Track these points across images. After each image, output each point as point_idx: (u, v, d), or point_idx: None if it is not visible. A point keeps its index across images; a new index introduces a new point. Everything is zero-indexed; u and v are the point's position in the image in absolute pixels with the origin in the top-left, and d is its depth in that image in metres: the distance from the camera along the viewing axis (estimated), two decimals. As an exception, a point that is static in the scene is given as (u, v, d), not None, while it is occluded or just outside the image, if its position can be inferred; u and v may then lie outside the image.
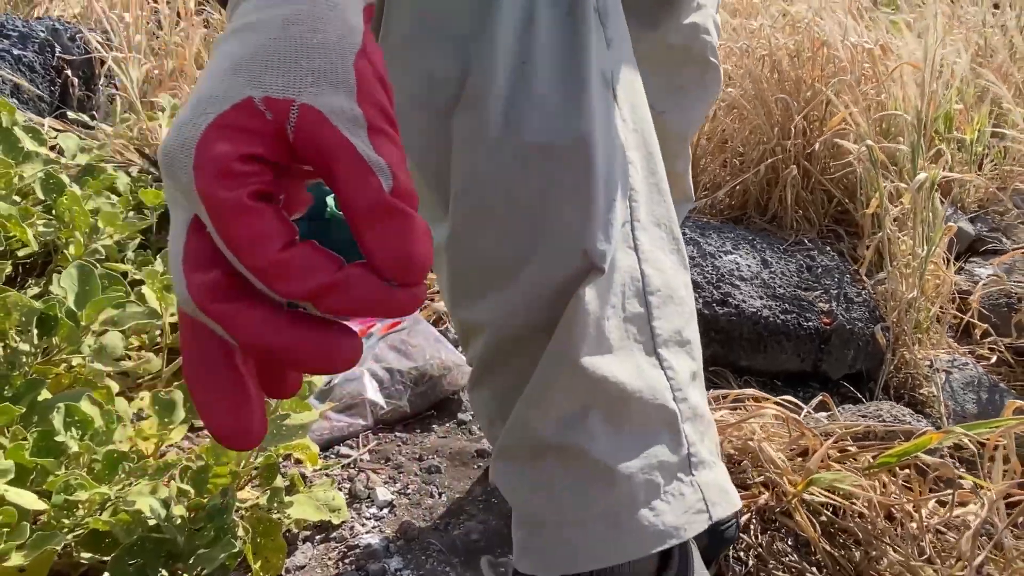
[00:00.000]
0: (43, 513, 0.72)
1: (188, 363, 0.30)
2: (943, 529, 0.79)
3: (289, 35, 0.30)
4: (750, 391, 1.01)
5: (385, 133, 0.30)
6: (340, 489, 0.93)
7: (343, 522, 0.87)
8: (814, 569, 0.77)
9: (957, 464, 0.96)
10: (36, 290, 1.13)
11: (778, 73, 1.75)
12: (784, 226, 1.73)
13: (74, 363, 0.90)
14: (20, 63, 1.66)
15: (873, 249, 1.43)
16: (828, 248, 1.59)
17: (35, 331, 0.84)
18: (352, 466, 0.98)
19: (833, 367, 1.30)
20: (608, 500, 0.44)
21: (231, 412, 0.29)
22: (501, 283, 0.46)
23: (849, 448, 0.86)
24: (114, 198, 1.28)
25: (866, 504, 0.78)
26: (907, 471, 0.81)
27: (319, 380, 1.02)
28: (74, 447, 0.72)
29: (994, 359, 1.46)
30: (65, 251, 1.13)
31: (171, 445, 0.93)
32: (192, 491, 0.75)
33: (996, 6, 2.62)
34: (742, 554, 0.79)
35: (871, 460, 0.82)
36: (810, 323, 1.29)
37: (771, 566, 0.77)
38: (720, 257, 1.39)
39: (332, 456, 1.00)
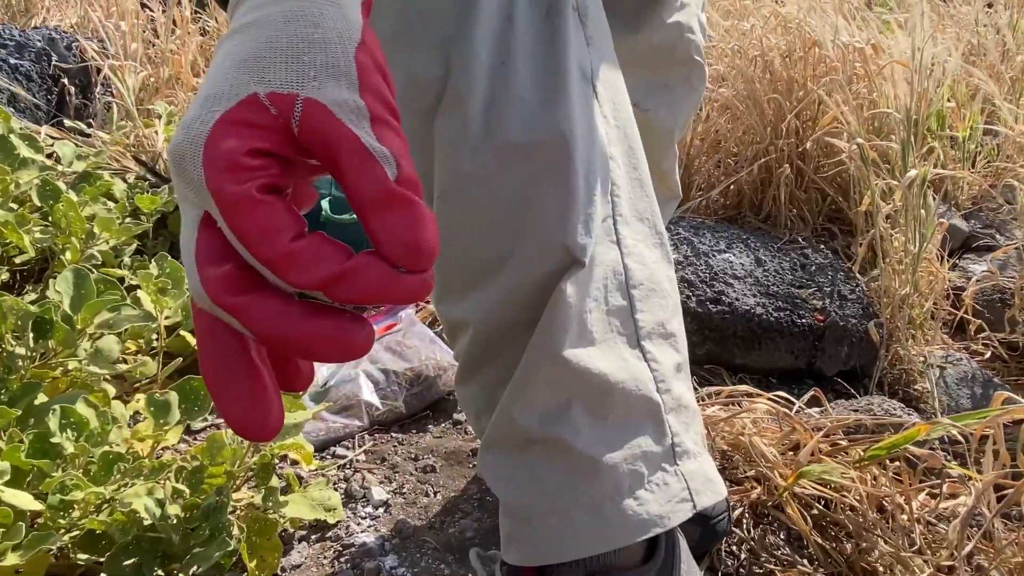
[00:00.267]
0: (39, 514, 0.73)
1: (204, 357, 0.30)
2: (933, 521, 0.79)
3: (290, 31, 0.31)
4: (743, 387, 1.01)
5: (388, 123, 0.31)
6: (336, 489, 0.94)
7: (339, 521, 0.88)
8: (805, 562, 0.77)
9: (950, 457, 0.96)
10: (33, 296, 1.14)
11: (770, 73, 1.76)
12: (778, 225, 1.74)
13: (70, 366, 0.91)
14: (17, 72, 1.67)
15: (866, 246, 1.44)
16: (822, 246, 1.60)
17: (31, 335, 0.85)
18: (348, 466, 0.99)
19: (827, 364, 1.31)
20: (592, 490, 0.45)
21: (249, 404, 0.30)
22: (484, 280, 0.47)
23: (840, 442, 0.87)
24: (110, 204, 1.29)
25: (857, 497, 0.79)
26: (897, 464, 0.82)
27: (316, 378, 1.03)
28: (70, 448, 0.73)
29: (988, 354, 1.47)
30: (62, 257, 1.14)
31: (167, 447, 0.94)
32: (187, 491, 0.76)
33: (990, 5, 2.64)
34: (735, 548, 0.80)
35: (862, 453, 0.83)
36: (804, 320, 1.29)
37: (763, 559, 0.78)
38: (714, 256, 1.40)
39: (328, 456, 1.01)
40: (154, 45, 2.02)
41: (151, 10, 2.15)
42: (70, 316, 0.87)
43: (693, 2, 0.74)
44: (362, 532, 0.87)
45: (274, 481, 0.84)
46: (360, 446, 1.03)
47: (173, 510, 0.73)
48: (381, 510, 0.91)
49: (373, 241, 0.29)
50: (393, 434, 1.06)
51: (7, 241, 1.09)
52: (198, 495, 0.77)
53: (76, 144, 1.47)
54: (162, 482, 0.76)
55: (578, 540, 0.45)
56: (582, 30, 0.47)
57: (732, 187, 1.80)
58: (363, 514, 0.90)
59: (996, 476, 0.74)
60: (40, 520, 0.73)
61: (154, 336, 1.06)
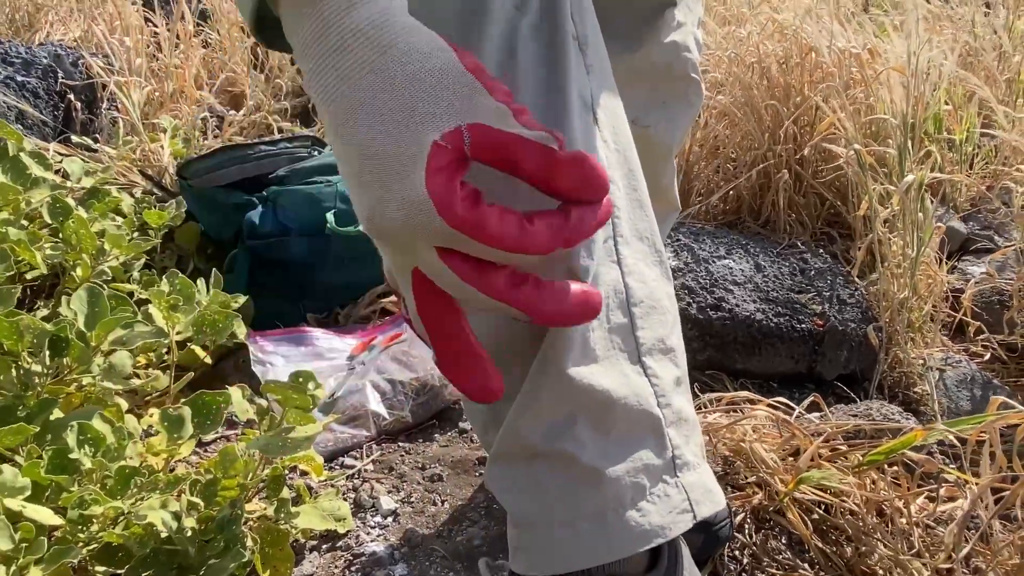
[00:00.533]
0: (59, 528, 0.75)
1: (439, 341, 0.39)
2: (932, 524, 0.81)
3: (415, 73, 0.35)
4: (744, 393, 1.03)
5: (522, 110, 0.37)
6: (345, 499, 0.96)
7: (349, 531, 0.90)
8: (806, 566, 0.79)
9: (948, 461, 0.98)
10: (45, 312, 1.16)
11: (767, 80, 1.78)
12: (777, 230, 1.75)
13: (85, 382, 0.93)
14: (24, 89, 1.70)
15: (864, 251, 1.46)
16: (821, 251, 1.62)
17: (47, 352, 0.87)
18: (357, 476, 1.01)
19: (827, 368, 1.32)
20: (596, 502, 0.47)
21: (476, 373, 0.39)
22: None
23: (840, 447, 0.89)
24: (119, 219, 1.31)
25: (856, 501, 0.81)
26: (895, 468, 0.83)
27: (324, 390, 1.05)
28: (87, 464, 0.75)
29: (988, 356, 1.48)
30: (72, 273, 1.16)
31: (180, 460, 0.96)
32: (202, 504, 0.78)
33: (988, 5, 2.65)
34: (737, 553, 0.82)
35: (861, 458, 0.85)
36: (803, 325, 1.31)
37: (765, 563, 0.80)
38: (714, 262, 1.42)
39: (337, 467, 1.03)
40: (158, 59, 2.05)
41: (154, 24, 2.17)
42: (84, 333, 0.89)
43: (689, 21, 0.76)
44: (371, 541, 0.89)
45: (285, 492, 0.86)
46: (368, 456, 1.05)
47: (188, 523, 0.75)
48: (390, 519, 0.93)
49: (561, 197, 0.38)
50: (400, 443, 1.08)
51: (19, 258, 1.11)
52: (212, 508, 0.79)
53: (84, 160, 1.49)
54: (177, 495, 0.78)
55: (583, 550, 0.47)
56: (582, 59, 0.49)
57: (731, 193, 1.82)
58: (372, 523, 0.92)
59: (992, 480, 0.75)
60: (58, 534, 0.75)
61: (165, 351, 1.08)
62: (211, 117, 2.06)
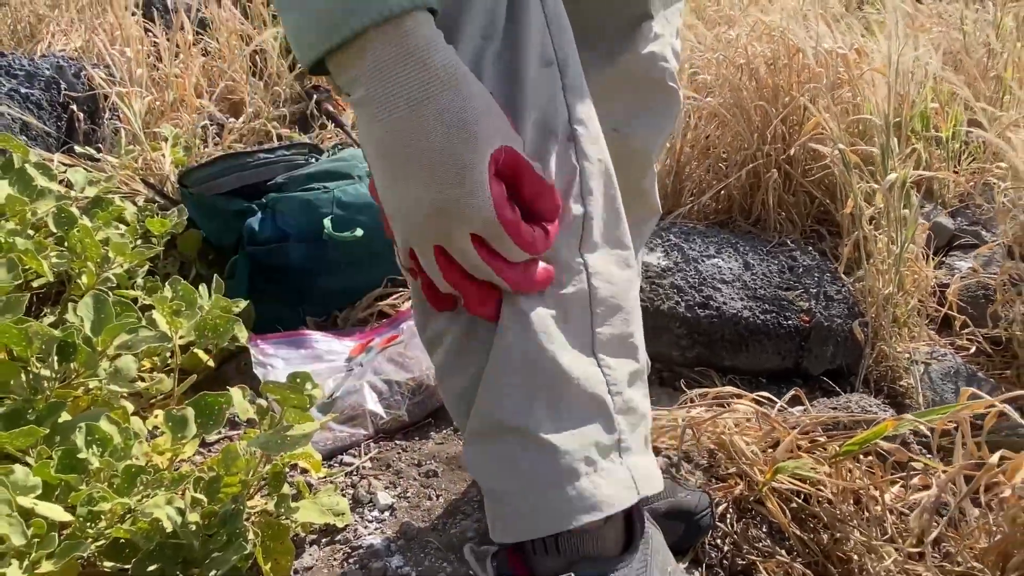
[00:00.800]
0: (69, 524, 0.78)
1: (459, 284, 0.50)
2: (905, 511, 0.84)
3: (478, 95, 0.45)
4: (729, 389, 1.06)
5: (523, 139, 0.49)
6: (344, 495, 0.99)
7: (347, 525, 0.93)
8: (784, 552, 0.82)
9: (925, 451, 1.01)
10: (52, 318, 1.20)
11: (756, 81, 1.81)
12: (768, 228, 1.79)
13: (91, 386, 0.97)
14: (28, 101, 1.73)
15: (851, 247, 1.49)
16: (810, 248, 1.65)
17: (55, 358, 0.91)
18: (355, 473, 1.04)
19: (814, 364, 1.36)
20: (554, 473, 0.51)
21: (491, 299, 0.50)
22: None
23: (819, 439, 0.92)
24: (122, 228, 1.35)
25: (833, 490, 0.84)
26: (870, 458, 0.87)
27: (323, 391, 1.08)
28: (95, 463, 0.79)
29: (973, 349, 1.52)
30: (78, 280, 1.19)
31: (184, 459, 1.00)
32: (205, 500, 0.81)
33: (979, 0, 2.67)
34: (719, 541, 0.85)
35: (838, 449, 0.88)
36: (790, 322, 1.34)
37: (745, 551, 0.83)
38: (703, 261, 1.45)
39: (336, 465, 1.06)
40: (158, 69, 2.09)
41: (154, 35, 2.21)
42: (91, 339, 0.93)
43: (667, 32, 0.80)
44: (369, 534, 0.92)
45: (286, 488, 0.90)
46: (366, 454, 1.08)
47: (192, 518, 0.78)
48: (387, 513, 0.97)
49: (532, 213, 0.49)
50: (397, 442, 1.12)
51: (27, 267, 1.15)
52: (215, 503, 0.82)
53: (87, 170, 1.53)
54: (181, 492, 0.82)
55: (545, 517, 0.51)
56: (560, 80, 0.52)
57: (722, 192, 1.85)
58: (370, 518, 0.96)
59: (961, 467, 0.78)
60: (68, 530, 0.79)
61: (169, 355, 1.11)
62: (211, 125, 2.10)
